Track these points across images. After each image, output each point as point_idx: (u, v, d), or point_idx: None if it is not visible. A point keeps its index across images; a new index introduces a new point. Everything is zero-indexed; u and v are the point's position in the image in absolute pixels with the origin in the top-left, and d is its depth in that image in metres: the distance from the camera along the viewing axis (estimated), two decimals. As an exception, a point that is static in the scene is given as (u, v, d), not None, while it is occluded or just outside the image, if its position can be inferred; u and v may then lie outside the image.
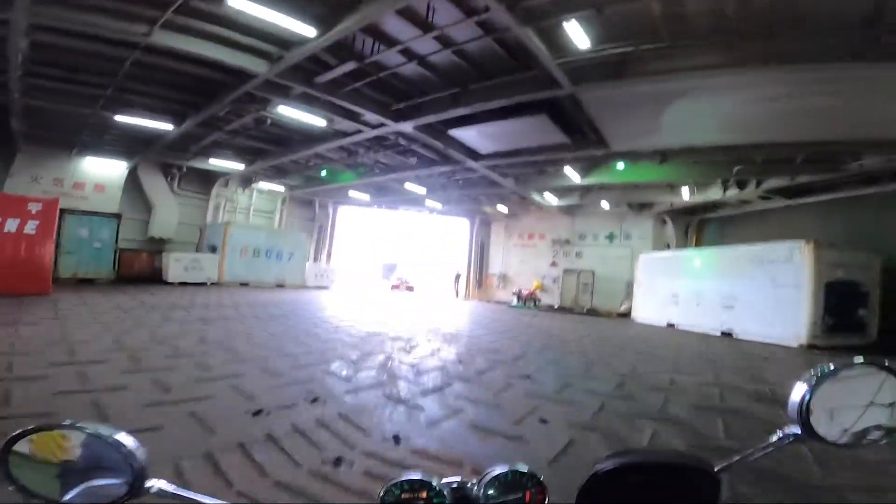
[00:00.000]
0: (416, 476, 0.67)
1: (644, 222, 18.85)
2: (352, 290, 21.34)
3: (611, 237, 19.74)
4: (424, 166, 14.13)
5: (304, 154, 13.33)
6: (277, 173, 17.60)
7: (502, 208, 20.81)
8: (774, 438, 0.69)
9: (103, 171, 15.83)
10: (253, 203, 20.36)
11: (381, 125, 10.63)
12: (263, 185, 19.60)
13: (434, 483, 0.66)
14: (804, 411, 0.67)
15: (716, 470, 0.65)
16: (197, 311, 8.50)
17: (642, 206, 18.05)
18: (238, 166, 16.05)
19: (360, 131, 11.22)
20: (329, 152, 13.99)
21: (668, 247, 18.24)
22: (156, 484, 0.62)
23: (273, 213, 20.92)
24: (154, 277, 14.84)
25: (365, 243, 38.42)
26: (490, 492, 0.67)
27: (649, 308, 15.17)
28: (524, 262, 21.98)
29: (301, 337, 6.67)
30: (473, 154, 12.47)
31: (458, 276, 23.63)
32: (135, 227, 16.85)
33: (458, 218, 24.51)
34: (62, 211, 12.95)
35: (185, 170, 17.22)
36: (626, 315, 17.32)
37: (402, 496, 0.66)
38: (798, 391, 0.68)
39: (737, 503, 2.39)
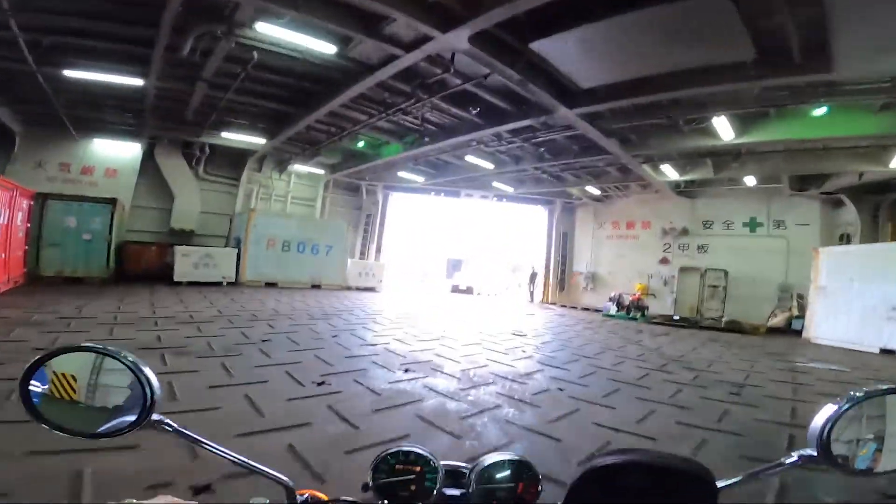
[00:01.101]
0: (414, 449, 0.71)
1: (805, 204, 13.17)
2: (405, 291, 17.83)
3: (752, 224, 14.20)
4: (492, 123, 9.95)
5: (327, 110, 9.73)
6: (310, 151, 14.39)
7: (592, 189, 16.00)
8: (787, 459, 0.67)
9: (116, 153, 13.58)
10: (291, 189, 17.49)
11: (421, 41, 6.64)
12: (300, 167, 16.62)
13: (430, 458, 0.70)
14: (825, 434, 0.65)
15: (718, 486, 0.63)
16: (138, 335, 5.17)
17: (806, 181, 12.39)
18: (258, 140, 13.00)
19: (391, 59, 7.31)
20: (359, 108, 10.32)
21: (844, 238, 12.46)
22: (161, 418, 0.64)
23: (314, 200, 17.92)
24: (165, 274, 12.25)
25: (423, 236, 34.83)
26: (484, 477, 0.70)
27: (841, 324, 9.80)
28: (621, 258, 16.99)
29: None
30: (567, 94, 8.08)
31: (533, 276, 19.18)
32: (155, 216, 14.56)
33: (534, 206, 20.02)
34: (45, 196, 10.62)
35: (208, 151, 14.61)
36: (783, 330, 11.96)
37: (396, 466, 0.69)
38: (822, 414, 0.66)
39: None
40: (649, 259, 16.22)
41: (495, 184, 16.75)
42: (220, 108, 10.60)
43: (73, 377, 0.63)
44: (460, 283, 23.39)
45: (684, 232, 15.63)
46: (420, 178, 16.72)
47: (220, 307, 8.37)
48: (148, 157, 14.01)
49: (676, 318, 13.42)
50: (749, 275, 13.62)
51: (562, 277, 18.31)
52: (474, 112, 9.54)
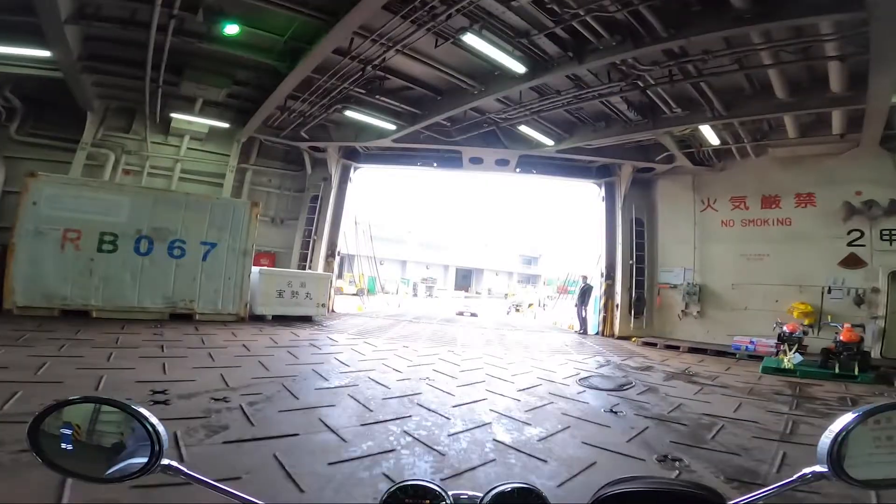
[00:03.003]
0: (422, 482, 0.70)
1: None
2: (377, 316, 10.61)
3: None
4: None
5: None
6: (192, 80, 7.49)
7: (709, 133, 8.62)
8: (797, 476, 0.67)
9: None
10: (182, 157, 10.56)
11: None
12: (185, 119, 9.75)
13: (439, 491, 0.69)
14: (835, 450, 0.64)
15: None
16: None
17: None
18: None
19: None
20: None
21: None
22: (170, 463, 0.67)
23: (222, 177, 10.90)
24: None
25: (414, 231, 28.58)
26: None
27: None
28: (755, 259, 9.45)
29: None
30: None
31: (586, 292, 11.67)
32: None
33: (579, 182, 12.69)
34: None
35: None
36: None
37: (405, 500, 0.68)
38: (833, 429, 0.65)
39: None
40: (816, 258, 8.67)
41: (524, 130, 9.51)
42: None
43: (80, 425, 0.66)
44: (464, 307, 18.37)
45: (892, 209, 8.12)
46: (389, 126, 9.60)
47: None
48: None
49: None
50: None
51: (637, 295, 10.77)
52: None
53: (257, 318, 8.67)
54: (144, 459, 0.66)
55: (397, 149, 11.91)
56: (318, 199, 11.52)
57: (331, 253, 11.71)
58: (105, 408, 0.68)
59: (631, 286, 10.83)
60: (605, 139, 9.58)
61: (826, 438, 0.65)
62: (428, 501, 0.67)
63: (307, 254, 11.27)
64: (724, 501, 0.62)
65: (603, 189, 11.98)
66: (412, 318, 12.52)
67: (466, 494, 0.71)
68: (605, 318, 11.19)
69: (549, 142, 9.92)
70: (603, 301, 11.28)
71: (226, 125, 10.38)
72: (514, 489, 0.69)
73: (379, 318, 11.19)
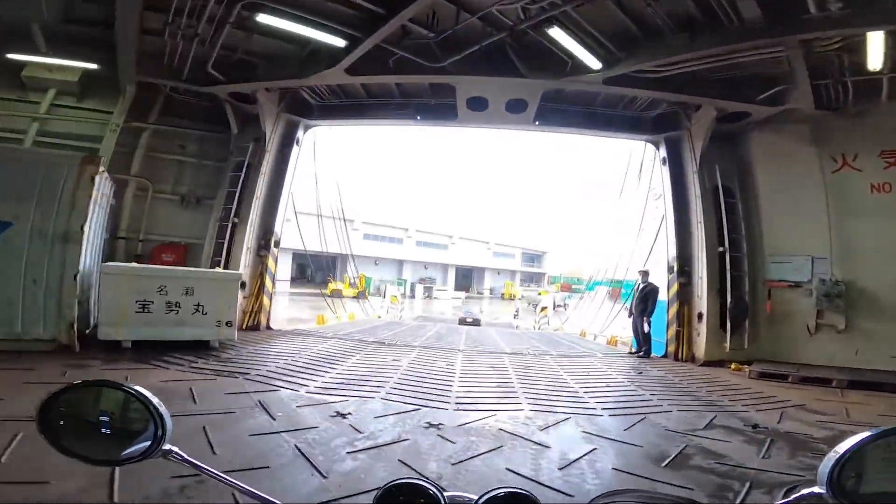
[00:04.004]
0: (418, 481, 0.69)
1: None
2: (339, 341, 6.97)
3: None
4: None
5: None
6: None
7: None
8: (793, 497, 0.65)
9: None
10: (44, 112, 7.01)
11: None
12: (35, 61, 6.32)
13: (433, 491, 0.67)
14: (836, 473, 0.62)
15: None
16: None
17: None
18: None
19: None
20: None
21: None
22: (172, 448, 0.68)
23: (101, 140, 7.25)
24: None
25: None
26: None
27: None
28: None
29: None
30: None
31: (648, 295, 7.86)
32: None
33: (626, 138, 9.11)
34: None
35: None
36: None
37: (400, 498, 0.67)
38: (834, 453, 0.63)
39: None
40: None
41: (557, 37, 5.84)
42: None
43: (87, 409, 0.69)
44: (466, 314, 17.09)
45: None
46: (337, 42, 5.95)
47: None
48: None
49: None
50: None
51: (735, 299, 7.03)
52: None
53: (106, 346, 5.02)
54: (147, 444, 0.67)
55: (361, 96, 8.29)
56: (245, 168, 7.83)
57: (264, 244, 8.04)
58: (110, 391, 0.69)
59: (723, 286, 7.14)
60: (688, 60, 5.94)
61: (827, 461, 0.63)
62: (422, 501, 0.67)
63: (224, 244, 7.57)
64: None
65: (663, 149, 8.33)
66: (391, 334, 8.85)
67: (461, 496, 0.71)
68: (678, 334, 7.52)
69: (595, 63, 6.24)
70: (675, 309, 7.61)
71: (92, 66, 6.79)
72: (507, 494, 0.68)
73: (335, 340, 7.49)
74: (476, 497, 0.68)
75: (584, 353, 8.06)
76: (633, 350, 7.98)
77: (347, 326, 10.29)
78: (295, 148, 8.66)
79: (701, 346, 7.19)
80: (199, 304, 5.47)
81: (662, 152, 8.35)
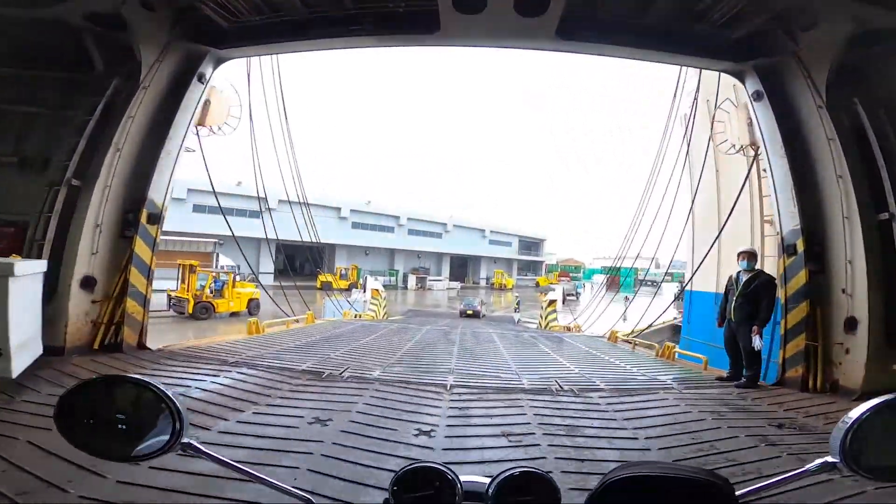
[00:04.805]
0: (434, 465, 0.71)
1: None
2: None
3: None
4: None
5: None
6: None
7: None
8: (808, 466, 0.65)
9: None
10: None
11: None
12: None
13: (450, 475, 0.70)
14: (847, 440, 0.62)
15: (737, 494, 0.62)
16: None
17: None
18: None
19: None
20: None
21: None
22: (190, 441, 0.68)
23: None
24: None
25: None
26: (502, 491, 0.69)
27: None
28: None
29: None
30: None
31: (759, 290, 4.83)
32: None
33: (694, 63, 6.02)
34: None
35: None
36: None
37: (415, 482, 0.70)
38: (846, 420, 0.63)
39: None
40: None
41: None
42: None
43: (104, 406, 0.68)
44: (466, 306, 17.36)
45: None
46: None
47: None
48: None
49: None
50: None
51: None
52: None
53: None
54: (166, 438, 0.66)
55: (296, 8, 5.26)
56: (101, 110, 4.79)
57: (132, 219, 4.99)
58: (127, 387, 0.69)
59: (892, 274, 4.19)
60: None
61: (838, 430, 0.63)
62: (438, 483, 0.69)
63: (51, 219, 4.53)
64: (734, 490, 0.61)
65: (753, 80, 5.38)
66: (346, 351, 5.86)
67: (476, 480, 0.71)
68: (809, 350, 4.57)
69: None
70: (800, 310, 4.65)
71: None
72: (522, 473, 0.70)
73: (238, 373, 4.46)
74: (489, 480, 0.70)
75: (645, 381, 5.08)
76: (728, 374, 5.00)
77: (293, 337, 7.24)
78: (196, 88, 5.56)
79: (854, 371, 4.27)
80: None
81: (753, 85, 5.38)
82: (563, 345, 8.07)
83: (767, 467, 2.66)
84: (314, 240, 13.97)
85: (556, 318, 15.89)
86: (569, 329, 13.59)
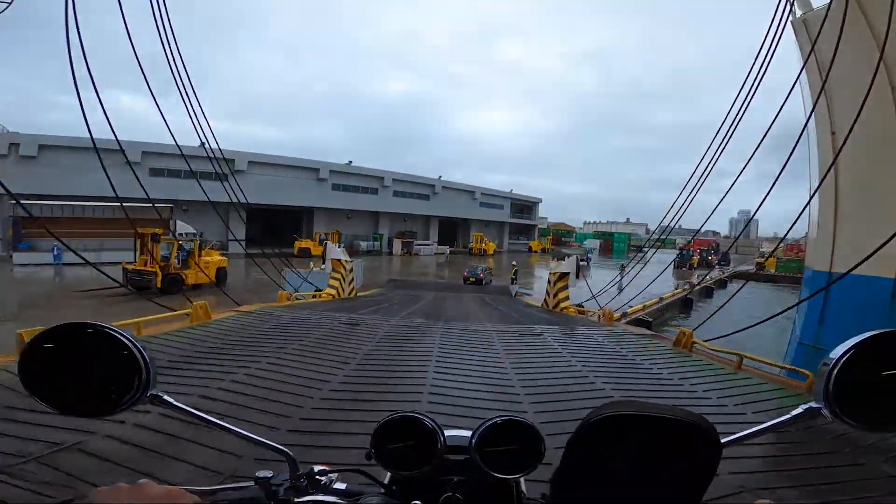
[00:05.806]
0: (415, 415, 0.71)
1: None
2: None
3: None
4: None
5: None
6: None
7: None
8: (791, 413, 0.61)
9: None
10: None
11: None
12: None
13: (431, 424, 0.70)
14: (830, 384, 0.55)
15: (722, 441, 0.59)
16: None
17: None
18: None
19: None
20: None
21: None
22: (158, 393, 0.63)
23: None
24: None
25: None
26: (486, 440, 0.69)
27: None
28: None
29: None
30: None
31: None
32: None
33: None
34: None
35: None
36: None
37: (398, 432, 0.69)
38: (828, 361, 0.56)
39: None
40: None
41: None
42: None
43: (69, 354, 0.61)
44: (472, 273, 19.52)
45: None
46: None
47: None
48: None
49: None
50: None
51: None
52: None
53: None
54: (132, 389, 0.62)
55: None
56: None
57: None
58: (92, 336, 0.62)
59: None
60: None
61: (820, 373, 0.57)
62: (421, 433, 0.68)
63: None
64: (717, 435, 0.59)
65: None
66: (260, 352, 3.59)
67: (458, 432, 0.72)
68: None
69: None
70: None
71: None
72: (505, 423, 0.70)
73: None
74: (472, 430, 0.70)
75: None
76: None
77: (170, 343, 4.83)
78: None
79: None
80: None
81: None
82: (604, 353, 5.60)
83: None
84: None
85: (567, 297, 13.77)
86: (586, 314, 11.48)
